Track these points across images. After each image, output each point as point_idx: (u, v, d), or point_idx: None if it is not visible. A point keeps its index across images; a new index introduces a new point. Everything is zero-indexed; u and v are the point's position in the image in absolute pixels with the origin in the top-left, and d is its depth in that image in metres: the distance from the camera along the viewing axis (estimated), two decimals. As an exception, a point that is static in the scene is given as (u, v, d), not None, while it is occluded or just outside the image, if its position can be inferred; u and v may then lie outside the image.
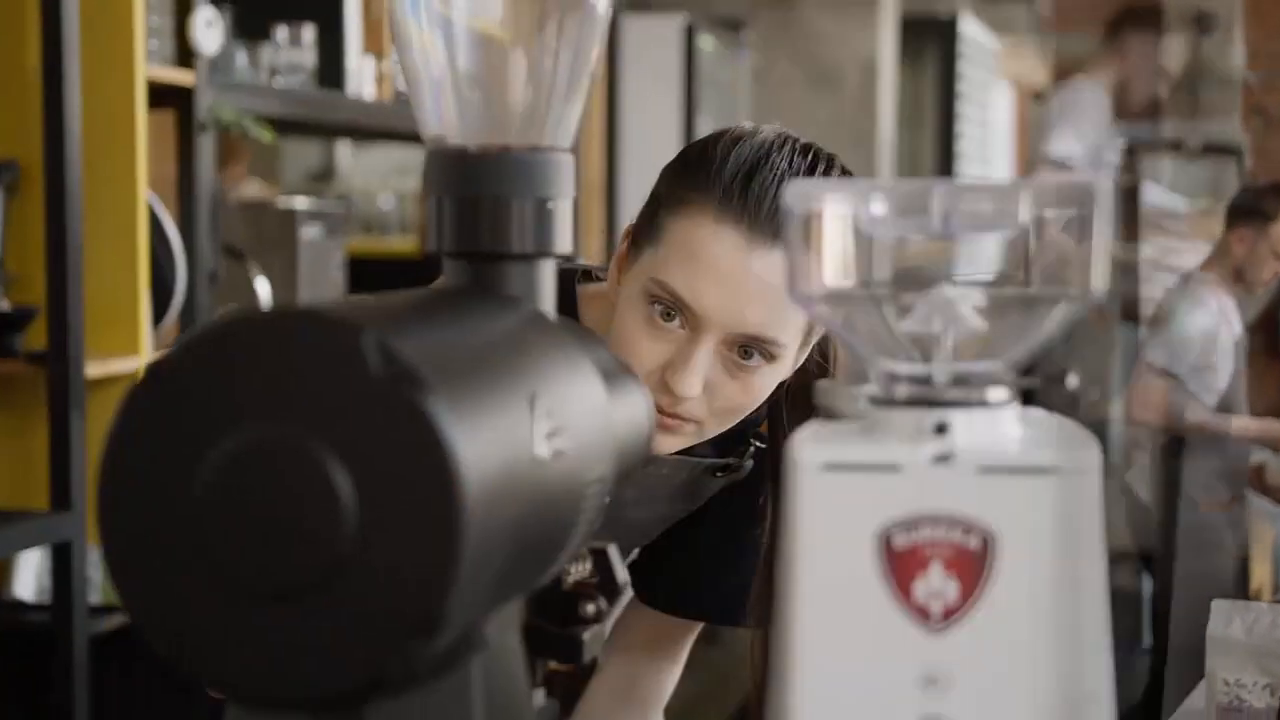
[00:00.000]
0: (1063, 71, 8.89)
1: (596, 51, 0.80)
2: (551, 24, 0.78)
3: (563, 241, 0.78)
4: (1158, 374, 4.40)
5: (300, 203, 3.48)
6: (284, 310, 0.61)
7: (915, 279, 0.70)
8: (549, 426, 0.67)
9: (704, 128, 5.16)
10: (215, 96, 2.91)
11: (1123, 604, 4.27)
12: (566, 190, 0.78)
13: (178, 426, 0.61)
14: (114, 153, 2.64)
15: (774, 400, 1.37)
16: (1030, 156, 4.82)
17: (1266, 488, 4.77)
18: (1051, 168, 4.47)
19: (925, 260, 0.71)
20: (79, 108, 2.48)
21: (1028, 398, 0.71)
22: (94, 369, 2.55)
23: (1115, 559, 4.31)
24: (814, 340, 1.36)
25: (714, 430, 1.33)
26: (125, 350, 2.66)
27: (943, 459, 0.66)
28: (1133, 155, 4.69)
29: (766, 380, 1.31)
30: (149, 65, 2.73)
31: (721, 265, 1.25)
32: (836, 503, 0.67)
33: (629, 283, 1.32)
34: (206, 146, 2.89)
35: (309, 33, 3.34)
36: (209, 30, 2.82)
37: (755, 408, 1.33)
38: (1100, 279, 0.66)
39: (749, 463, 1.45)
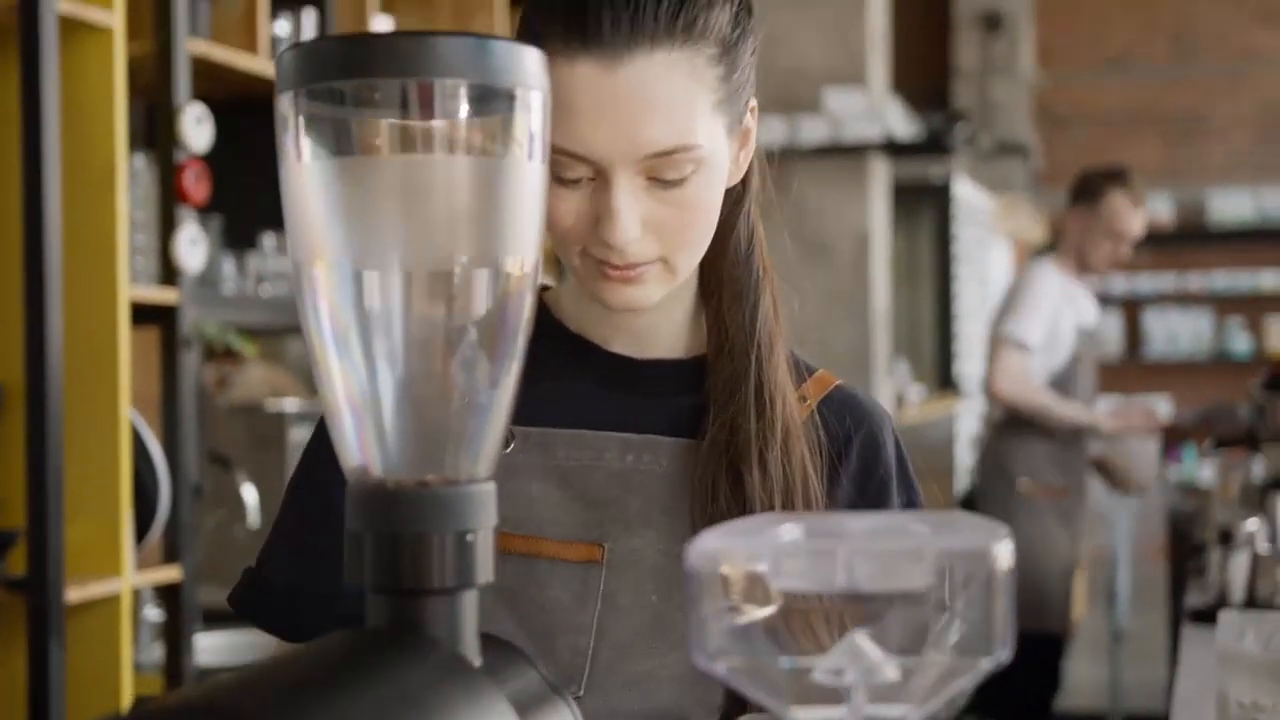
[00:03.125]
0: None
1: (513, 378, 0.80)
2: (468, 357, 0.78)
3: (484, 572, 0.78)
4: (1014, 346, 4.49)
5: (290, 404, 3.48)
6: (176, 706, 0.61)
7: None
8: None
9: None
10: (200, 311, 2.92)
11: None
12: (487, 521, 0.78)
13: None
14: (97, 374, 2.64)
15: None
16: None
17: (1108, 472, 4.85)
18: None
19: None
20: (61, 330, 2.49)
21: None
22: (74, 594, 2.52)
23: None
24: (748, 106, 1.28)
25: (685, 264, 1.25)
26: (107, 572, 2.63)
27: (853, 826, 0.65)
28: None
29: (703, 189, 1.23)
30: (134, 285, 2.75)
31: (590, 99, 1.17)
32: None
33: None
34: (190, 362, 2.90)
35: (296, 239, 3.35)
36: (193, 248, 2.84)
37: (714, 222, 1.25)
38: (1006, 641, 0.65)
39: None
